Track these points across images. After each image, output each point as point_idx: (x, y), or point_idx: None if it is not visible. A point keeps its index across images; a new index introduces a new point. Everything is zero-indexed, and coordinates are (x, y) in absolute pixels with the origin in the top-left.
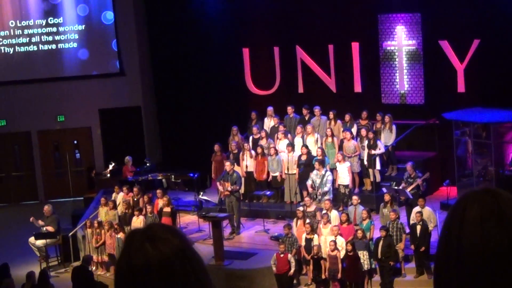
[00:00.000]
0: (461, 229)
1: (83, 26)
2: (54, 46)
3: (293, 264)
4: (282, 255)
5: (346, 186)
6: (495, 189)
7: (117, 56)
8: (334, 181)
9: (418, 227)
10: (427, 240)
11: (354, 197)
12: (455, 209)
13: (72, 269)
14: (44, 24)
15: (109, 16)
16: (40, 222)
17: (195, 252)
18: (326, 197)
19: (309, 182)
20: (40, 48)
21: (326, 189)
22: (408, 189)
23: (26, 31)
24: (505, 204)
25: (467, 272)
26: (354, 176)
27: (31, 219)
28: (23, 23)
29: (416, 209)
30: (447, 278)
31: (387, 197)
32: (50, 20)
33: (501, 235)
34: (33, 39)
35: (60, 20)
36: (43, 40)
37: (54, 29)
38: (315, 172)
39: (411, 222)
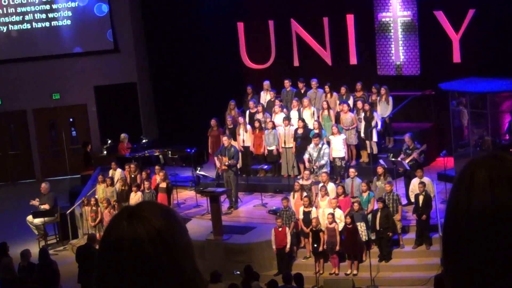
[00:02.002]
0: (470, 194)
1: (76, 3)
2: (48, 24)
3: (288, 239)
4: (280, 229)
5: (341, 159)
6: (502, 153)
7: (111, 33)
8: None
9: (421, 197)
10: (429, 211)
11: (351, 170)
12: (463, 174)
13: (77, 249)
14: (37, 2)
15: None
16: (35, 202)
17: (177, 237)
18: (323, 170)
19: (306, 156)
20: (34, 26)
21: (323, 162)
22: (406, 161)
23: (19, 9)
24: None
25: (477, 237)
26: (351, 148)
27: (31, 202)
28: (16, 1)
29: (417, 180)
30: (456, 244)
31: (380, 170)
32: None
33: (510, 199)
34: (27, 17)
35: None
36: (36, 17)
37: (48, 7)
38: (312, 145)
39: (412, 193)
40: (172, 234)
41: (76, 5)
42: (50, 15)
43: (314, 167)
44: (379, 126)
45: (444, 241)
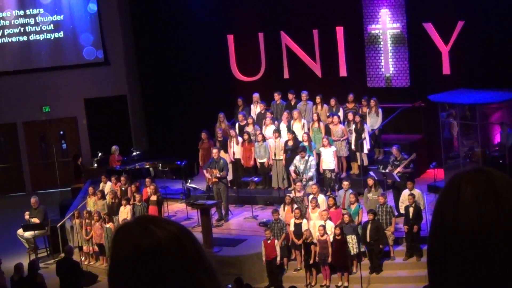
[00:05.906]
0: (457, 210)
1: (62, 16)
2: (38, 37)
3: (278, 251)
4: (269, 241)
5: (331, 171)
6: (487, 168)
7: (101, 46)
8: (318, 165)
9: (411, 209)
10: (419, 222)
11: (345, 182)
12: (449, 189)
13: (56, 263)
14: (23, 15)
15: (92, 6)
16: (27, 217)
17: (194, 240)
18: (311, 182)
19: (291, 168)
20: (23, 39)
21: (310, 174)
22: (395, 172)
23: (7, 22)
24: (499, 183)
25: (464, 253)
26: (342, 160)
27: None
28: (1, 14)
29: (408, 191)
30: (442, 260)
31: (370, 182)
32: (29, 11)
33: (497, 215)
34: (16, 30)
35: (41, 11)
36: (27, 30)
37: (38, 19)
38: (298, 157)
39: (402, 204)
40: (190, 238)
41: (62, 18)
42: (39, 28)
43: (303, 180)
44: (367, 141)
45: (430, 254)
